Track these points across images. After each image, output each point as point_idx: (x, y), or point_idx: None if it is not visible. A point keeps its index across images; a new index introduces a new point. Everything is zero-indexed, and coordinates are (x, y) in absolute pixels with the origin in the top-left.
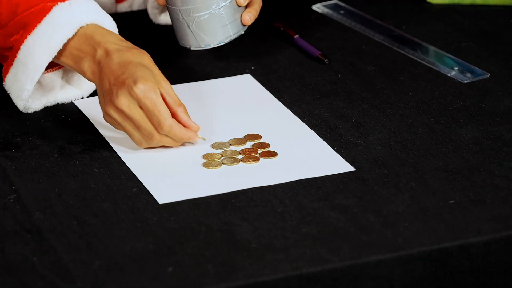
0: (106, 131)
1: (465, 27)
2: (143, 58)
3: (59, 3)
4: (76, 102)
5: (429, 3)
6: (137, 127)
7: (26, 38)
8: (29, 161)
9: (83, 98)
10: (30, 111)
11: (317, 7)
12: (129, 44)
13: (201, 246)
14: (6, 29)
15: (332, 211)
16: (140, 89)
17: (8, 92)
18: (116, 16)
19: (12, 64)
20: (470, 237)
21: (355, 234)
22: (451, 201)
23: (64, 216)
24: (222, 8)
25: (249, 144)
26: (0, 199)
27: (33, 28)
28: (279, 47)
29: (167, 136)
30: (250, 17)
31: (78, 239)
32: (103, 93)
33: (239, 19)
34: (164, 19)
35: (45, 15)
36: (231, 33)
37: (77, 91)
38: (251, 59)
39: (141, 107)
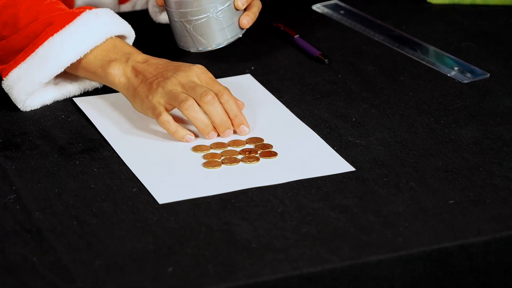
0: (106, 131)
1: (465, 27)
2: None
3: (87, 10)
4: (76, 101)
5: (429, 3)
6: (191, 90)
7: (52, 35)
8: (29, 161)
9: (80, 94)
10: (27, 109)
11: (317, 7)
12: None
13: (201, 246)
14: (26, 30)
15: (332, 211)
16: (198, 67)
17: (9, 88)
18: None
19: (25, 59)
20: (470, 237)
21: (355, 234)
22: (451, 201)
23: (64, 216)
24: (220, 12)
25: (250, 145)
26: (0, 199)
27: (62, 28)
28: (279, 47)
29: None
30: (248, 20)
31: (78, 239)
32: (144, 83)
33: (237, 23)
34: (164, 18)
35: (75, 18)
36: (229, 36)
37: (72, 88)
38: (251, 59)
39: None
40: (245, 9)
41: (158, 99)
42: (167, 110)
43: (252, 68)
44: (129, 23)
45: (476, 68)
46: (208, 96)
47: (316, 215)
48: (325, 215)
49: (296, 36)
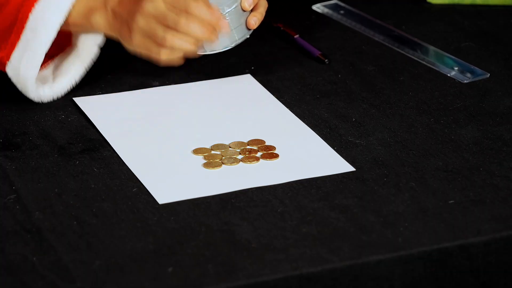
0: (106, 131)
1: (465, 27)
2: None
3: None
4: (76, 101)
5: (429, 3)
6: (164, 16)
7: (33, 6)
8: (29, 161)
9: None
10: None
11: (317, 7)
12: None
13: (201, 246)
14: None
15: (332, 211)
16: None
17: (15, 75)
18: None
19: (19, 38)
20: (470, 237)
21: (355, 234)
22: (451, 201)
23: (64, 216)
24: (227, 14)
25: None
26: (0, 199)
27: None
28: (279, 47)
29: (190, 27)
30: (255, 21)
31: (78, 239)
32: (124, 22)
33: (245, 23)
34: None
35: None
36: (237, 38)
37: (66, 79)
38: (251, 59)
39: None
40: (252, 10)
41: (140, 38)
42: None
43: (252, 68)
44: None
45: (476, 68)
46: (180, 23)
47: (316, 215)
48: (325, 215)
49: (296, 36)
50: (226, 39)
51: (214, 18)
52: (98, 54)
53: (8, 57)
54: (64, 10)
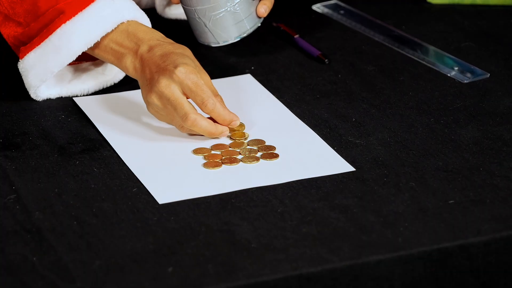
0: (106, 131)
1: (465, 27)
2: (185, 50)
3: None
4: (76, 101)
5: (429, 3)
6: (174, 107)
7: (64, 23)
8: (29, 161)
9: (88, 93)
10: (40, 99)
11: (317, 7)
12: (170, 40)
13: (201, 246)
14: (43, 17)
15: (332, 211)
16: (181, 71)
17: (23, 71)
18: None
19: (39, 44)
20: (470, 237)
21: (355, 234)
22: (451, 201)
23: (64, 216)
24: (237, 5)
25: (251, 146)
26: (0, 199)
27: (74, 15)
28: (279, 47)
29: (201, 118)
30: (265, 9)
31: (78, 239)
32: (145, 84)
33: (255, 12)
34: (171, 13)
35: (88, 5)
36: (248, 27)
37: (83, 86)
38: (251, 59)
39: (183, 91)
40: None
41: (152, 109)
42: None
43: (252, 68)
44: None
45: (476, 68)
46: (188, 121)
47: (316, 215)
48: (325, 215)
49: (296, 36)
50: (238, 29)
51: (227, 117)
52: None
53: (23, 55)
54: (92, 40)
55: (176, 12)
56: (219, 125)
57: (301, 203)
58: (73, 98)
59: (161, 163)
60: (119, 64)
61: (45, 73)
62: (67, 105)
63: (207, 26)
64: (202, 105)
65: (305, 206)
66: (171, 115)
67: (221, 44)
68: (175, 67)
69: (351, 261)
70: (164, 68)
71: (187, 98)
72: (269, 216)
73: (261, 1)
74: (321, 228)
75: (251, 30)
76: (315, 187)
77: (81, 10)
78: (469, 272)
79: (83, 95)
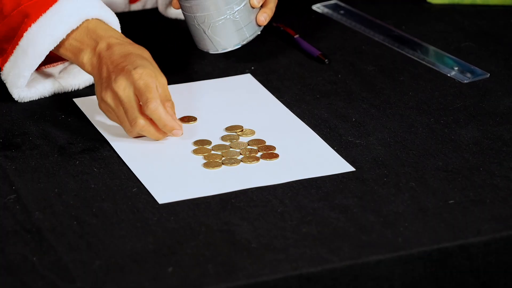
0: (106, 131)
1: (465, 27)
2: (143, 52)
3: None
4: (76, 101)
5: (429, 3)
6: (126, 110)
7: (30, 26)
8: (29, 161)
9: (79, 88)
10: (26, 100)
11: (317, 7)
12: (129, 40)
13: (201, 246)
14: (9, 19)
15: (332, 211)
16: (138, 72)
17: (5, 80)
18: (128, 14)
19: (12, 52)
20: (470, 237)
21: (355, 234)
22: (451, 201)
23: (64, 216)
24: (236, 12)
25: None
26: (0, 199)
27: (38, 17)
28: (279, 47)
29: (149, 124)
30: (265, 17)
31: (78, 239)
32: (101, 82)
33: (254, 20)
34: (173, 12)
35: (51, 5)
36: (247, 35)
37: (73, 81)
38: (251, 59)
39: (134, 91)
40: (261, 6)
41: (105, 106)
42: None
43: (252, 68)
44: (140, 21)
45: (476, 68)
46: (137, 126)
47: (316, 215)
48: (325, 215)
49: (296, 36)
50: (237, 37)
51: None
52: None
53: (2, 66)
54: (57, 39)
55: (178, 11)
56: (162, 132)
57: (301, 203)
58: (73, 99)
59: (161, 163)
60: (76, 59)
61: (19, 78)
62: (67, 105)
63: (206, 33)
64: (144, 105)
65: (305, 206)
66: (122, 117)
67: (220, 51)
68: (134, 68)
69: (351, 261)
70: (122, 68)
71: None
72: (269, 216)
73: (261, 9)
74: (321, 228)
75: (250, 38)
76: (315, 187)
77: (45, 12)
78: (469, 272)
79: (71, 90)
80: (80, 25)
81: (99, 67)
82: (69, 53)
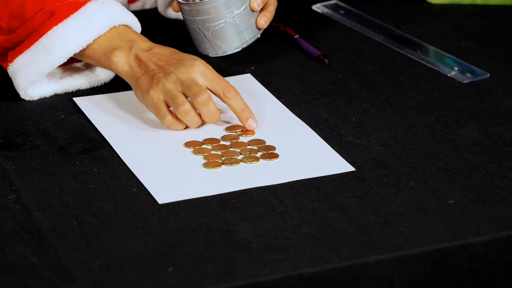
0: (106, 131)
1: (465, 27)
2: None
3: (92, 0)
4: (76, 101)
5: (429, 3)
6: (189, 87)
7: (56, 25)
8: (29, 161)
9: (80, 89)
10: (28, 98)
11: (317, 7)
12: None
13: (201, 246)
14: (31, 21)
15: (332, 211)
16: (201, 62)
17: (13, 73)
18: None
19: (29, 47)
20: (470, 237)
21: (355, 234)
22: (451, 201)
23: (64, 216)
24: (236, 16)
25: (251, 146)
26: (0, 199)
27: (66, 18)
28: (279, 47)
29: (213, 103)
30: (265, 20)
31: (78, 239)
32: (149, 72)
33: (255, 24)
34: (173, 13)
35: (79, 8)
36: (248, 39)
37: (76, 82)
38: (251, 59)
39: (205, 81)
40: (261, 9)
41: (159, 95)
42: (168, 107)
43: (252, 68)
44: (140, 22)
45: (476, 68)
46: (202, 96)
47: (316, 215)
48: (325, 215)
49: (296, 36)
50: (237, 41)
51: (246, 115)
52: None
53: (12, 59)
54: (85, 41)
55: (177, 13)
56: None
57: (301, 203)
58: (73, 98)
59: (161, 163)
60: (106, 59)
61: (35, 74)
62: (67, 105)
63: (207, 36)
64: (225, 90)
65: (305, 206)
66: (180, 101)
67: (220, 55)
68: (195, 59)
69: (351, 261)
70: (180, 61)
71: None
72: (269, 216)
73: (261, 13)
74: (321, 228)
75: (250, 42)
76: (315, 187)
77: (73, 13)
78: (469, 272)
79: (75, 91)
80: (108, 30)
81: (140, 64)
82: (98, 55)
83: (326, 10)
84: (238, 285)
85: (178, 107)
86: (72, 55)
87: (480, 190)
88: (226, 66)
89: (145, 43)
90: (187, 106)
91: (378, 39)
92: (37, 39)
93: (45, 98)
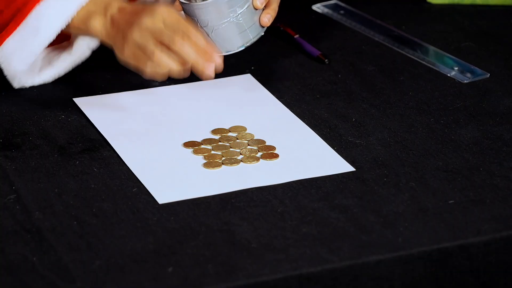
0: (106, 131)
1: (465, 27)
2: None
3: None
4: (76, 101)
5: (429, 3)
6: (158, 35)
7: (38, 3)
8: (29, 161)
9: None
10: (19, 86)
11: (317, 7)
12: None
13: (201, 246)
14: (15, 2)
15: (332, 211)
16: (163, 9)
17: (4, 60)
18: None
19: (16, 29)
20: (470, 237)
21: (355, 234)
22: (451, 201)
23: (64, 216)
24: (240, 15)
25: (253, 147)
26: (0, 199)
27: None
28: (279, 47)
29: (189, 46)
30: (268, 18)
31: (78, 239)
32: (120, 36)
33: (258, 22)
34: None
35: None
36: (251, 37)
37: (55, 71)
38: (251, 59)
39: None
40: (264, 7)
41: (132, 50)
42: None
43: (252, 68)
44: None
45: (476, 68)
46: (175, 41)
47: (316, 215)
48: (325, 215)
49: (296, 36)
50: (241, 40)
51: (210, 48)
52: (89, 56)
53: (0, 43)
54: (69, 14)
55: (180, 12)
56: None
57: (301, 203)
58: (73, 98)
59: (161, 163)
60: (86, 28)
61: (29, 55)
62: (67, 105)
63: (210, 36)
64: (184, 33)
65: (305, 206)
66: (152, 52)
67: (224, 54)
68: (155, 8)
69: (351, 261)
70: (143, 9)
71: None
72: (269, 216)
73: (264, 10)
74: (321, 228)
75: (254, 40)
76: (315, 187)
77: None
78: (469, 272)
79: (55, 79)
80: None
81: (113, 26)
82: (77, 22)
83: (326, 10)
84: (238, 285)
85: (150, 56)
86: (59, 31)
87: (480, 190)
88: (226, 66)
89: (118, 3)
90: (157, 54)
91: (378, 39)
92: (22, 20)
93: (46, 98)
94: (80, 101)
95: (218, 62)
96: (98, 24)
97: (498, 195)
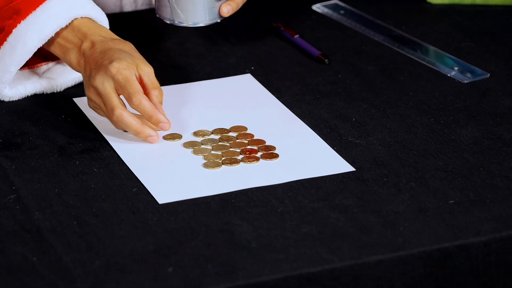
0: (106, 131)
1: (465, 27)
2: (125, 45)
3: None
4: (76, 101)
5: (429, 3)
6: (104, 101)
7: (19, 23)
8: (29, 161)
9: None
10: (6, 99)
11: (317, 7)
12: (114, 36)
13: (201, 246)
14: (0, 16)
15: (332, 211)
16: (114, 66)
17: None
18: (120, 15)
19: None
20: (470, 237)
21: (355, 234)
22: (451, 201)
23: (64, 216)
24: None
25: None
26: (0, 199)
27: (28, 14)
28: (279, 47)
29: (129, 115)
30: (228, 10)
31: (78, 239)
32: (86, 80)
33: (218, 8)
34: None
35: (41, 3)
36: (207, 19)
37: (55, 82)
38: (251, 59)
39: (115, 86)
40: None
41: (93, 96)
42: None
43: (252, 68)
44: (132, 23)
45: (476, 68)
46: (114, 115)
47: (316, 215)
48: (325, 215)
49: (296, 36)
50: (197, 16)
51: (154, 112)
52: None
53: None
54: (46, 37)
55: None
56: (147, 127)
57: (301, 203)
58: (73, 98)
59: (161, 163)
60: (65, 58)
61: (4, 74)
62: (67, 105)
63: (170, 1)
64: (128, 100)
65: (305, 206)
66: (105, 112)
67: (175, 23)
68: (110, 62)
69: (351, 261)
70: (100, 64)
71: (120, 93)
72: (269, 216)
73: (227, 1)
74: (321, 228)
75: (208, 23)
76: (315, 187)
77: (35, 9)
78: (469, 272)
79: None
80: (69, 23)
81: (85, 66)
82: (59, 51)
83: (326, 10)
84: (238, 285)
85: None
86: (34, 50)
87: (480, 190)
88: (226, 66)
89: (94, 37)
90: (118, 110)
91: (378, 39)
92: (4, 39)
93: (46, 98)
94: (80, 101)
95: (163, 122)
96: (73, 58)
97: (498, 195)
